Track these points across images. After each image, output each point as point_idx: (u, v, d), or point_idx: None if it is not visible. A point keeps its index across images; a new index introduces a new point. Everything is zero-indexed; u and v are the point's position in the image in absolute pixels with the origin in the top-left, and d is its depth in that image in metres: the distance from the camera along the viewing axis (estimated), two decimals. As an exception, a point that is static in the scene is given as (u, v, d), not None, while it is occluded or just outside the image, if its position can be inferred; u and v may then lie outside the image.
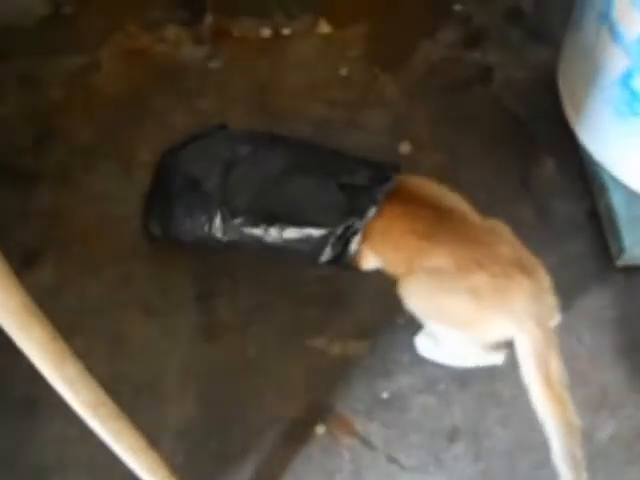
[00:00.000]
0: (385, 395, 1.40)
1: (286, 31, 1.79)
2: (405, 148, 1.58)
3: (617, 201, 1.45)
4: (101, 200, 1.60)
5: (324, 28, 1.78)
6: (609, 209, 1.46)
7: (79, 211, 1.59)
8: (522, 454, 1.35)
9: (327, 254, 1.35)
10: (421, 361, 1.42)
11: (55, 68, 1.74)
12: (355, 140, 1.62)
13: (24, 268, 1.50)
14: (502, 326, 1.21)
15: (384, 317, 1.46)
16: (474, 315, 1.22)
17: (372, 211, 1.31)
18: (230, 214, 1.38)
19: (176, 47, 1.76)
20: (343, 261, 1.36)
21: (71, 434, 1.37)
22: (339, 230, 1.33)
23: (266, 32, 1.71)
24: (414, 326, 1.41)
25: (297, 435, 1.38)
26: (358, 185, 1.35)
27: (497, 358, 1.35)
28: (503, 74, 1.69)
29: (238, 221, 1.38)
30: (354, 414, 1.39)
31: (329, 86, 1.71)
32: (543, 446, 1.32)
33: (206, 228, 1.40)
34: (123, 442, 1.06)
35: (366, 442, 1.36)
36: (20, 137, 1.66)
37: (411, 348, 1.42)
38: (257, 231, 1.37)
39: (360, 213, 1.32)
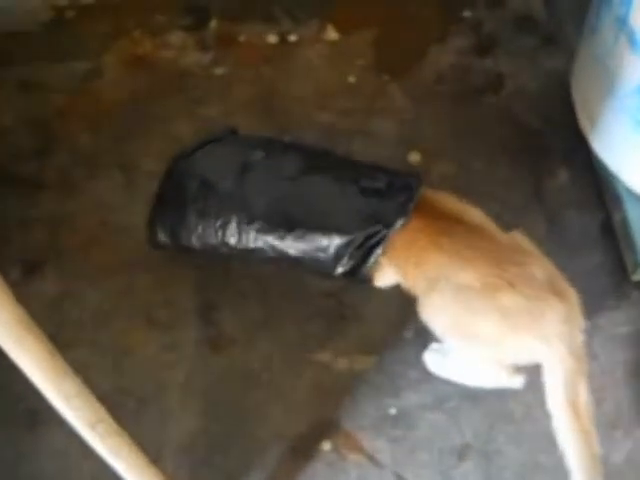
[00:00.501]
0: (393, 411, 1.37)
1: (293, 37, 1.76)
2: (414, 157, 1.56)
3: (633, 213, 1.42)
4: (104, 209, 1.58)
5: (331, 34, 1.76)
6: (624, 222, 1.43)
7: (81, 220, 1.57)
8: (533, 473, 1.32)
9: (345, 264, 1.31)
10: (430, 377, 1.39)
11: (58, 74, 1.72)
12: (363, 149, 1.60)
13: (26, 278, 1.48)
14: (532, 349, 1.17)
15: (391, 331, 1.44)
16: (503, 336, 1.19)
17: (401, 222, 1.26)
18: (247, 219, 1.34)
19: (180, 53, 1.74)
20: (360, 274, 1.31)
21: (73, 447, 1.33)
22: (360, 238, 1.28)
23: (272, 38, 1.69)
24: (422, 341, 1.39)
25: (302, 451, 1.35)
26: (379, 190, 1.31)
27: (517, 381, 1.31)
28: (514, 82, 1.67)
29: (255, 226, 1.34)
30: (361, 430, 1.36)
31: (336, 94, 1.69)
32: (555, 466, 1.30)
33: (220, 233, 1.36)
34: (123, 459, 1.04)
35: (373, 459, 1.34)
36: (22, 144, 1.65)
37: (419, 363, 1.39)
38: (274, 238, 1.33)
39: (387, 222, 1.27)
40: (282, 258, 1.35)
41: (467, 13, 1.77)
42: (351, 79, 1.71)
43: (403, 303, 1.42)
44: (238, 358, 1.43)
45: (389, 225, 1.27)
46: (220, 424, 1.37)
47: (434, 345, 1.35)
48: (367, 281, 1.35)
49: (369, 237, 1.28)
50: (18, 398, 1.38)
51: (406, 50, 1.72)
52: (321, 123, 1.65)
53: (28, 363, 0.86)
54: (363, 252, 1.29)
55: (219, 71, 1.72)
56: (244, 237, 1.35)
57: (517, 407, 1.36)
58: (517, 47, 1.72)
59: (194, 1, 1.80)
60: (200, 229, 1.38)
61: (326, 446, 1.35)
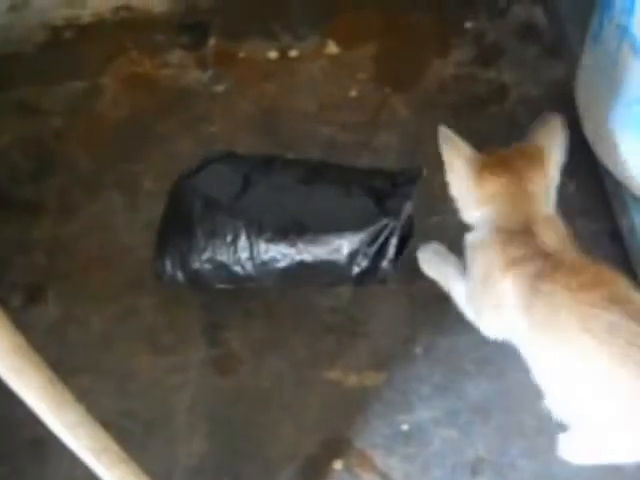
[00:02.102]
0: (405, 428, 1.35)
1: (293, 53, 1.76)
2: (418, 169, 1.55)
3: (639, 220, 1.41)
4: (104, 230, 1.57)
5: (332, 49, 1.76)
6: (632, 229, 1.42)
7: (82, 242, 1.56)
8: (548, 486, 1.31)
9: (360, 263, 1.31)
10: (442, 392, 1.38)
11: (56, 95, 1.72)
12: (367, 162, 1.58)
13: (26, 303, 1.47)
14: None
15: (401, 347, 1.42)
16: None
17: (407, 208, 1.28)
18: (256, 230, 1.35)
19: (180, 72, 1.74)
20: (379, 272, 1.31)
21: (79, 474, 1.32)
22: (370, 233, 1.29)
23: (272, 54, 1.69)
24: (431, 356, 1.39)
25: (314, 472, 1.33)
26: (382, 188, 1.33)
27: None
28: (518, 92, 1.66)
29: (265, 237, 1.34)
30: (373, 448, 1.34)
31: (339, 108, 1.68)
32: (569, 477, 1.29)
33: (231, 249, 1.36)
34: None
35: (386, 477, 1.32)
36: (20, 166, 1.65)
37: (430, 379, 1.38)
38: (285, 245, 1.33)
39: (394, 213, 1.29)
40: (297, 268, 1.35)
41: (469, 24, 1.77)
42: (353, 93, 1.70)
43: (411, 319, 1.44)
44: (246, 378, 1.41)
45: (396, 215, 1.29)
46: (229, 446, 1.36)
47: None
48: (384, 281, 1.34)
49: (379, 232, 1.29)
50: (20, 426, 1.37)
51: (407, 63, 1.72)
52: (324, 137, 1.65)
53: (29, 393, 0.85)
54: (376, 248, 1.30)
55: (220, 88, 1.71)
56: (255, 249, 1.35)
57: (529, 420, 1.34)
58: (520, 57, 1.72)
59: (192, 19, 1.81)
60: (210, 249, 1.38)
61: (338, 466, 1.33)
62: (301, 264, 1.35)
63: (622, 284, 1.13)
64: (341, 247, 1.32)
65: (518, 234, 1.18)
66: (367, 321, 1.45)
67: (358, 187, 1.36)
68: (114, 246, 1.55)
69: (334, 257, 1.33)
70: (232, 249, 1.36)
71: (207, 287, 1.45)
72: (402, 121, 1.66)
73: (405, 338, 1.43)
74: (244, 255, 1.36)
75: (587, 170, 1.54)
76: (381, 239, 1.30)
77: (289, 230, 1.34)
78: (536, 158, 1.22)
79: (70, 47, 1.79)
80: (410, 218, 1.37)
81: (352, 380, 1.40)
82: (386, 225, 1.29)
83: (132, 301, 1.49)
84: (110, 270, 1.52)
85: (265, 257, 1.36)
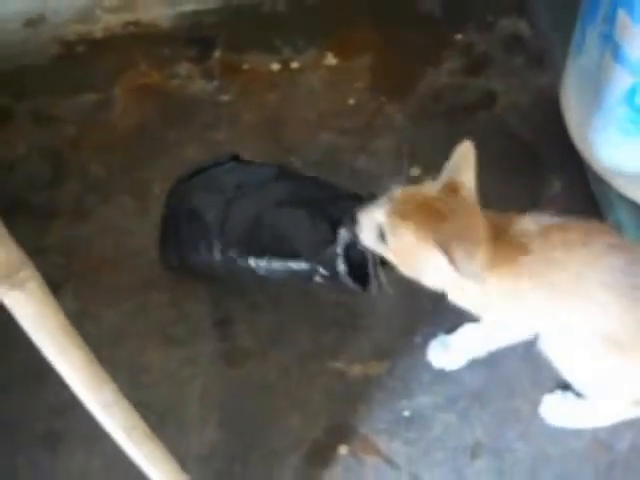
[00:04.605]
0: (406, 414, 1.41)
1: (294, 64, 1.82)
2: (415, 171, 1.60)
3: (625, 217, 1.48)
4: (117, 232, 1.62)
5: (331, 61, 1.82)
6: (618, 225, 1.48)
7: (95, 244, 1.61)
8: (544, 467, 1.36)
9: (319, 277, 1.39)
10: (441, 380, 1.43)
11: (70, 105, 1.77)
12: (365, 165, 1.66)
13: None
14: None
15: (402, 338, 1.48)
16: None
17: (343, 234, 1.33)
18: (225, 246, 1.43)
19: (187, 82, 1.80)
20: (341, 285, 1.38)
21: (93, 467, 1.38)
22: (320, 260, 1.37)
23: (275, 66, 1.76)
24: None
25: (320, 457, 1.38)
26: (338, 216, 1.38)
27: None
28: (506, 99, 1.73)
29: (233, 252, 1.42)
30: (376, 433, 1.40)
31: (338, 115, 1.74)
32: (564, 458, 1.36)
33: (207, 259, 1.44)
34: (156, 464, 1.07)
35: (389, 461, 1.37)
36: (36, 174, 1.69)
37: (429, 367, 1.44)
38: (249, 263, 1.41)
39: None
40: (262, 280, 1.44)
41: (459, 37, 1.84)
42: (351, 101, 1.77)
43: (411, 311, 1.50)
44: (254, 369, 1.46)
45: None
46: (239, 434, 1.40)
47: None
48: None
49: (330, 259, 1.37)
50: (35, 420, 1.42)
51: (402, 73, 1.78)
52: (324, 142, 1.71)
53: (70, 371, 0.88)
54: (330, 271, 1.37)
55: (225, 98, 1.77)
56: (226, 263, 1.44)
57: (524, 405, 1.41)
58: (507, 66, 1.79)
59: (198, 34, 1.86)
60: (193, 255, 1.47)
61: (343, 451, 1.39)
62: (264, 278, 1.43)
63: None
64: (294, 273, 1.40)
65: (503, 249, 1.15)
66: (369, 314, 1.50)
67: (322, 213, 1.41)
68: (126, 247, 1.59)
69: (289, 277, 1.41)
70: (208, 258, 1.45)
71: (205, 275, 1.52)
72: (397, 127, 1.72)
73: (405, 329, 1.48)
74: (217, 265, 1.45)
75: (574, 170, 1.60)
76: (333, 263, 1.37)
77: (252, 251, 1.41)
78: (469, 205, 1.14)
79: (83, 60, 1.84)
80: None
81: (355, 370, 1.45)
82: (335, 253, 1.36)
83: (144, 298, 1.54)
84: (123, 269, 1.57)
85: (234, 269, 1.44)
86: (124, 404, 0.98)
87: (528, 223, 1.18)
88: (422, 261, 1.14)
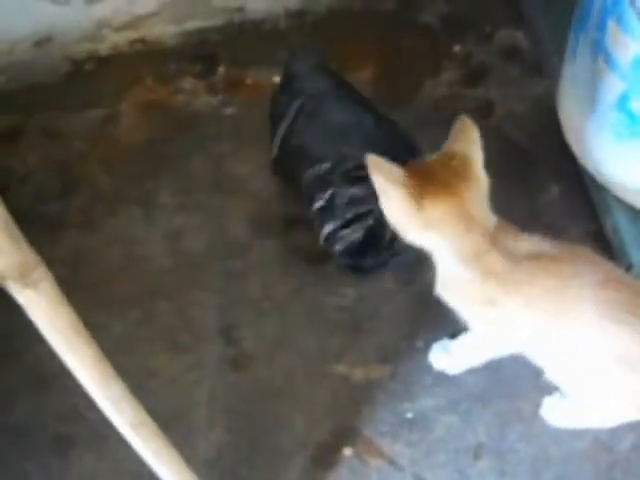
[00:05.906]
0: (409, 416, 1.43)
1: (297, 78, 1.85)
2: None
3: (622, 220, 1.50)
4: (124, 242, 1.65)
5: (332, 74, 1.85)
6: (615, 229, 1.51)
7: (103, 254, 1.63)
8: (545, 467, 1.37)
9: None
10: (443, 382, 1.45)
11: (78, 121, 1.80)
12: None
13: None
14: None
15: (404, 341, 1.50)
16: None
17: None
18: None
19: (192, 97, 1.83)
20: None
21: (102, 470, 1.40)
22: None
23: (277, 79, 1.75)
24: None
25: (325, 459, 1.40)
26: None
27: None
28: (504, 107, 1.76)
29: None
30: (380, 435, 1.42)
31: (340, 125, 1.76)
32: (565, 459, 1.37)
33: None
34: (164, 461, 1.10)
35: (393, 463, 1.39)
36: (46, 187, 1.72)
37: (431, 370, 1.46)
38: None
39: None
40: None
41: (457, 48, 1.87)
42: (353, 112, 1.79)
43: (413, 315, 1.52)
44: (260, 374, 1.48)
45: None
46: (245, 438, 1.42)
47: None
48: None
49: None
50: (45, 425, 1.44)
51: (402, 84, 1.81)
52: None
53: (80, 367, 0.90)
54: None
55: (229, 111, 1.80)
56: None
57: (525, 405, 1.42)
58: (505, 76, 1.81)
59: (202, 50, 1.90)
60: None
61: (347, 452, 1.40)
62: None
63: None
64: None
65: (485, 255, 1.15)
66: (371, 318, 1.52)
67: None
68: (133, 256, 1.62)
69: None
70: None
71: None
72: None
73: (407, 333, 1.50)
74: None
75: (570, 174, 1.62)
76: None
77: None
78: (466, 170, 1.15)
79: (90, 77, 1.88)
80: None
81: (359, 373, 1.47)
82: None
83: (151, 306, 1.56)
84: (130, 278, 1.59)
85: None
86: (132, 401, 1.00)
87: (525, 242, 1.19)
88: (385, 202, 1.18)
